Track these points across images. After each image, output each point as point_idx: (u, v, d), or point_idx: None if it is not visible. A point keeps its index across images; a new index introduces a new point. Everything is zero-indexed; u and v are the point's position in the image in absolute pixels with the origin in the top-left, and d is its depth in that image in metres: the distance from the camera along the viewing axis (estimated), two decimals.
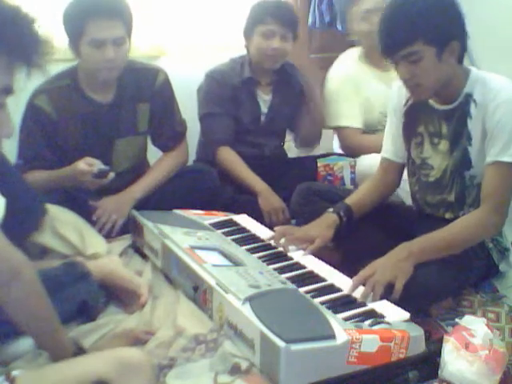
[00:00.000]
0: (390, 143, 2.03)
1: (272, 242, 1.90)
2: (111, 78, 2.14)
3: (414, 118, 1.92)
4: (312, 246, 1.86)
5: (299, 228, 1.97)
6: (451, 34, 1.70)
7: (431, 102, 1.85)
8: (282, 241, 1.89)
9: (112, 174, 2.06)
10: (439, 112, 1.84)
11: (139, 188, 2.25)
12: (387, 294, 1.60)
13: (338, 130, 2.66)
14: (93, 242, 1.94)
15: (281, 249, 1.87)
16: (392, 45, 1.71)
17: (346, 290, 1.61)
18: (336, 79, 2.66)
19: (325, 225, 1.92)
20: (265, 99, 2.57)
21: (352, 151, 2.57)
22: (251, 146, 2.59)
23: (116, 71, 2.11)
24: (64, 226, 1.92)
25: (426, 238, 1.73)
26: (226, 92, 2.49)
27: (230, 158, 2.49)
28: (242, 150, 2.55)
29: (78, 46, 2.05)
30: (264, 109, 2.57)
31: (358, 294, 1.59)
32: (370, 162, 2.39)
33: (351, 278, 1.67)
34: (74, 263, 1.72)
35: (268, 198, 2.40)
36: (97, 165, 2.03)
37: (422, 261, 1.67)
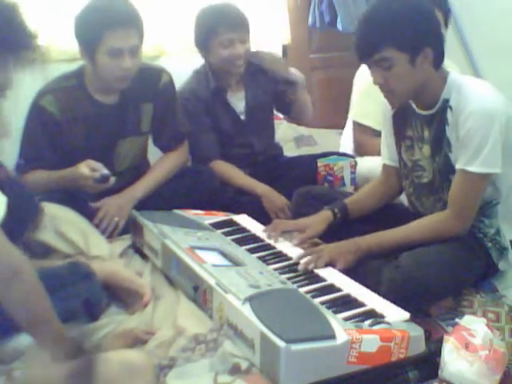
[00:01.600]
0: (386, 148, 2.05)
1: (271, 241, 1.91)
2: (123, 87, 2.15)
3: (402, 122, 1.93)
4: (302, 235, 1.91)
5: (293, 220, 2.04)
6: (424, 41, 1.70)
7: (414, 106, 1.87)
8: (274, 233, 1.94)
9: (113, 179, 2.06)
10: (421, 117, 1.85)
11: (140, 188, 2.25)
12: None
13: (358, 125, 2.64)
14: (96, 243, 1.95)
15: (281, 249, 1.87)
16: (364, 50, 1.73)
17: (346, 290, 1.61)
18: (369, 78, 2.66)
19: (318, 219, 1.97)
20: (238, 98, 2.55)
21: (363, 150, 2.57)
22: (241, 147, 2.58)
23: (129, 80, 2.13)
24: (67, 226, 1.93)
25: (380, 236, 1.83)
26: (200, 108, 2.47)
27: (223, 170, 2.47)
28: (233, 153, 2.55)
29: (93, 55, 2.05)
30: (241, 108, 2.56)
31: (354, 291, 1.60)
32: (369, 165, 2.39)
33: (350, 278, 1.69)
34: (79, 263, 1.73)
35: (270, 198, 2.40)
36: (99, 169, 2.03)
37: (370, 254, 1.79)
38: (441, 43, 1.76)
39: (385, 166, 2.07)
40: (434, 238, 1.79)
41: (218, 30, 2.35)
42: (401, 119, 1.94)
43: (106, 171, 2.04)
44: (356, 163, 2.43)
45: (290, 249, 1.87)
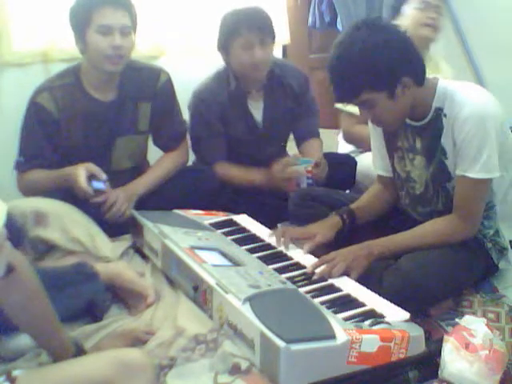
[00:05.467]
0: (378, 158, 2.04)
1: (272, 242, 1.90)
2: (116, 70, 2.12)
3: (393, 133, 1.91)
4: (312, 242, 1.86)
5: (300, 227, 1.98)
6: (397, 73, 1.66)
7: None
8: (284, 240, 1.89)
9: (107, 192, 2.06)
10: (412, 128, 1.84)
11: (141, 185, 2.25)
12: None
13: (345, 114, 2.62)
14: (102, 244, 1.95)
15: (281, 249, 1.87)
16: (341, 97, 1.72)
17: (346, 290, 1.61)
18: None
19: (327, 224, 1.93)
20: (257, 108, 2.48)
21: (348, 137, 2.58)
22: (251, 157, 2.50)
23: (122, 62, 2.11)
24: (74, 225, 1.93)
25: (389, 242, 1.80)
26: (215, 112, 2.41)
27: (226, 173, 2.43)
28: (240, 160, 2.49)
29: (84, 35, 2.06)
30: (258, 117, 2.48)
31: (354, 291, 1.60)
32: (369, 162, 2.38)
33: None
34: (83, 264, 1.74)
35: (271, 182, 2.34)
36: (98, 174, 2.02)
37: (381, 258, 1.78)
38: (417, 62, 1.70)
39: (379, 177, 2.06)
40: (443, 242, 1.79)
41: (238, 31, 2.28)
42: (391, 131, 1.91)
43: (102, 181, 2.02)
44: (316, 166, 2.29)
45: (291, 250, 1.87)
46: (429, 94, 1.76)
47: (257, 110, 2.48)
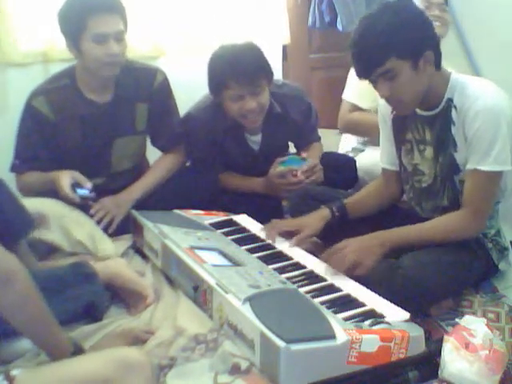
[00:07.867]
0: (385, 152, 2.04)
1: (269, 240, 1.92)
2: (113, 74, 2.12)
3: (402, 125, 1.92)
4: (300, 235, 1.89)
5: (290, 219, 2.02)
6: (422, 44, 1.69)
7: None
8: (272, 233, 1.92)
9: (93, 201, 2.05)
10: (423, 118, 1.84)
11: (138, 189, 2.25)
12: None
13: (345, 102, 2.59)
14: (103, 244, 1.95)
15: (281, 248, 1.87)
16: (366, 66, 1.71)
17: (346, 290, 1.61)
18: None
19: (315, 217, 1.96)
20: (255, 139, 2.40)
21: (345, 124, 2.56)
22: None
23: (118, 67, 2.10)
24: (75, 226, 1.93)
25: (401, 233, 1.80)
26: (210, 140, 2.35)
27: (225, 182, 2.42)
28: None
29: (78, 43, 2.03)
30: (255, 146, 2.42)
31: (354, 291, 1.60)
32: (371, 160, 2.38)
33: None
34: (82, 264, 1.74)
35: (270, 189, 2.34)
36: (82, 183, 2.00)
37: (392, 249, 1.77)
38: (438, 44, 1.75)
39: (384, 170, 2.06)
40: (452, 238, 1.78)
41: (226, 84, 2.16)
42: (400, 123, 1.92)
43: (87, 189, 2.00)
44: (308, 168, 2.27)
45: (290, 249, 1.87)
46: (442, 83, 1.78)
47: (254, 141, 2.42)
